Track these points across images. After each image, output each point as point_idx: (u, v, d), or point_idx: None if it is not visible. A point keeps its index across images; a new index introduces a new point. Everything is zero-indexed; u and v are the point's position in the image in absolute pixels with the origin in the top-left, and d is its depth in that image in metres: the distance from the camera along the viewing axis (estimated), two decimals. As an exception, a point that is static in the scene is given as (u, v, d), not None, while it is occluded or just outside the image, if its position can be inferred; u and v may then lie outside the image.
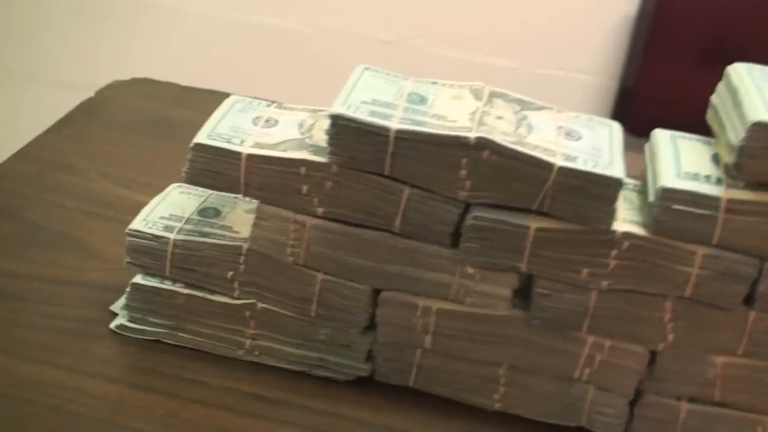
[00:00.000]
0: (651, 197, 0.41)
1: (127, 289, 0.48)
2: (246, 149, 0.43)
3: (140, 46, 1.26)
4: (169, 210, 0.48)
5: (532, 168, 0.40)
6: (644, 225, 0.41)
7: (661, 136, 0.44)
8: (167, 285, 0.47)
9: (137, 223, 0.47)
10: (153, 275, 0.47)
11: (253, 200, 0.45)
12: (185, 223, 0.47)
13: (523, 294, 0.44)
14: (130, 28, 1.27)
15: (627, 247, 0.41)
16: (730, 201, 0.39)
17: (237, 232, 0.47)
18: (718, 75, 0.43)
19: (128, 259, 0.47)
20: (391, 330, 0.46)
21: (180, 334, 0.48)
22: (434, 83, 0.44)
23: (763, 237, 0.40)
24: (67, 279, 0.52)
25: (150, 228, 0.47)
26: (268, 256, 0.45)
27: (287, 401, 0.46)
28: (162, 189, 0.50)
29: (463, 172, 0.41)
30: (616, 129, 0.43)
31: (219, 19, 1.24)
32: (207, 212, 0.48)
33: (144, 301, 0.47)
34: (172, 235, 0.46)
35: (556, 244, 0.41)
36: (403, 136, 0.40)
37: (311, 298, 0.46)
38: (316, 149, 0.43)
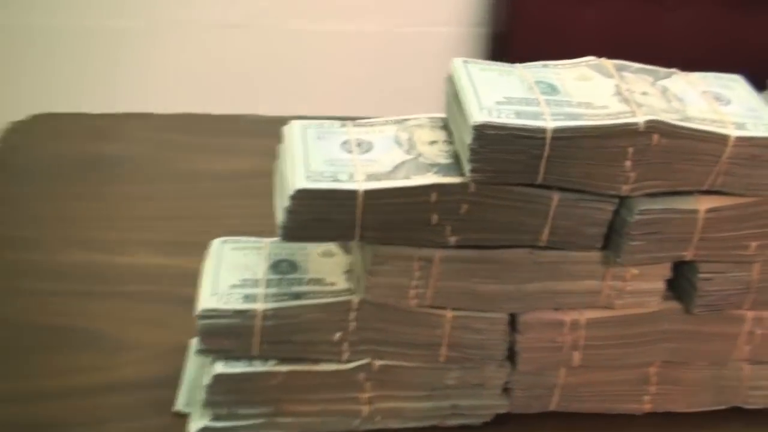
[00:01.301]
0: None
1: (207, 384, 0.38)
2: (361, 185, 0.35)
3: (25, 77, 1.04)
4: (236, 275, 0.39)
5: (707, 144, 0.35)
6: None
7: None
8: (258, 367, 0.38)
9: (208, 301, 0.38)
10: (236, 358, 0.38)
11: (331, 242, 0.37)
12: (267, 287, 0.38)
13: (669, 283, 0.40)
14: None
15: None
16: None
17: (332, 284, 0.38)
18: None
19: (202, 347, 0.38)
20: (535, 355, 0.40)
21: (281, 419, 0.39)
22: (545, 66, 0.38)
23: None
24: (101, 384, 0.41)
25: (227, 303, 0.37)
26: (385, 306, 0.38)
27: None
28: (144, 244, 0.40)
29: (629, 164, 0.35)
30: (743, 82, 0.39)
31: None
32: (281, 267, 0.40)
33: (230, 391, 0.38)
34: (259, 306, 0.37)
35: (726, 222, 0.37)
36: (562, 135, 0.34)
37: (439, 341, 0.39)
38: (441, 168, 0.36)
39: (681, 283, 0.39)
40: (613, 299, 0.39)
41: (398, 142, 0.37)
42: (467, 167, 0.34)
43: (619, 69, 0.38)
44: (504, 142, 0.34)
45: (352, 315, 0.38)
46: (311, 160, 0.36)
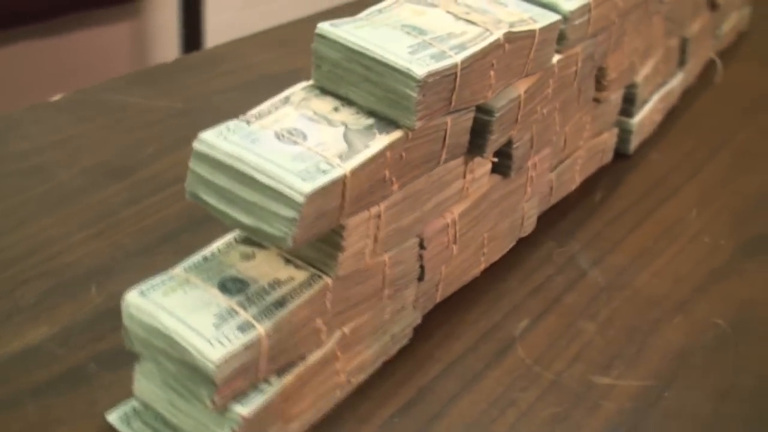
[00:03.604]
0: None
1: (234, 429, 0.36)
2: (345, 167, 0.35)
3: None
4: (205, 316, 0.36)
5: (525, 41, 0.44)
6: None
7: None
8: (268, 390, 0.37)
9: (212, 351, 0.34)
10: (245, 394, 0.36)
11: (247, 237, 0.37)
12: (245, 310, 0.36)
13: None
14: None
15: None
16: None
17: (291, 278, 0.38)
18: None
19: (219, 401, 0.35)
20: (433, 262, 0.45)
21: (291, 426, 0.39)
22: (381, 13, 0.41)
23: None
24: None
25: (231, 343, 0.35)
26: (349, 274, 0.39)
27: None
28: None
29: (492, 74, 0.42)
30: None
31: None
32: (232, 287, 0.37)
33: (253, 428, 0.36)
34: (260, 329, 0.36)
35: (530, 97, 0.47)
36: (464, 66, 0.39)
37: (381, 285, 0.42)
38: (372, 127, 0.38)
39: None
40: (468, 189, 0.46)
41: (314, 120, 0.38)
42: (411, 117, 0.37)
43: (428, -4, 0.43)
44: (436, 86, 0.38)
45: (329, 296, 0.38)
46: (281, 162, 0.34)
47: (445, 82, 0.38)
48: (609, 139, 0.63)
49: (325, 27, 0.38)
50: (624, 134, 0.64)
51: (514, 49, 0.43)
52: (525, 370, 0.44)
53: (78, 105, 0.65)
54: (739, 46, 0.88)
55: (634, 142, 0.66)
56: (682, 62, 0.73)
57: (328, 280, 0.38)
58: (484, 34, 0.41)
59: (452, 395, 0.42)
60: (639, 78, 0.63)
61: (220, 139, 0.35)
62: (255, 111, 0.37)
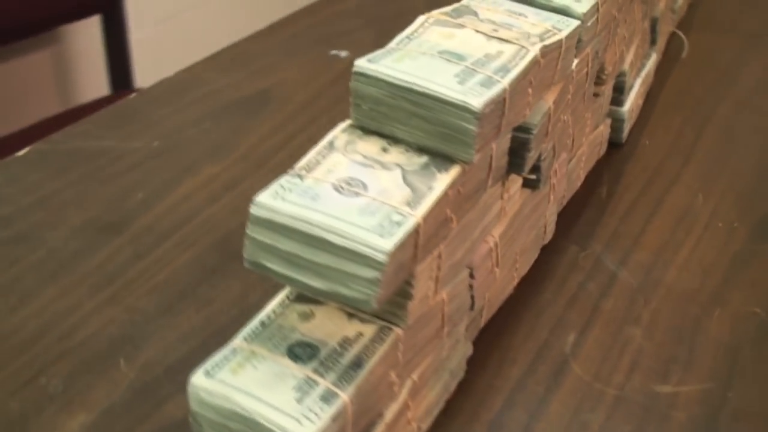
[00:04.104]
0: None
1: None
2: (417, 214, 0.33)
3: None
4: (283, 390, 0.33)
5: (554, 52, 0.42)
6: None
7: None
8: (355, 456, 0.35)
9: (302, 430, 0.32)
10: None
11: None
12: (323, 377, 0.34)
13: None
14: None
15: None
16: None
17: (360, 334, 0.36)
18: None
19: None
20: (481, 289, 0.44)
21: (377, 490, 0.37)
22: (410, 39, 0.39)
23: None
24: None
25: (319, 417, 0.33)
26: (415, 321, 0.37)
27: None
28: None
29: (530, 90, 0.40)
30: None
31: None
32: (302, 353, 0.35)
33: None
34: (344, 397, 0.34)
35: (555, 109, 0.45)
36: (512, 89, 0.37)
37: (441, 323, 0.40)
38: (428, 166, 0.36)
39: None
40: (506, 209, 0.44)
41: (367, 165, 0.35)
42: (469, 151, 0.35)
43: (455, 17, 0.41)
44: (490, 115, 0.36)
45: (400, 347, 0.36)
46: (350, 219, 0.32)
47: (497, 110, 0.36)
48: (604, 130, 0.62)
49: (363, 64, 0.36)
50: (616, 123, 0.64)
51: (546, 63, 0.41)
52: (587, 389, 0.43)
53: (50, 157, 0.61)
54: (690, 17, 0.88)
55: (626, 130, 0.65)
56: (653, 42, 0.73)
57: (399, 331, 0.36)
58: (521, 52, 0.39)
59: (523, 426, 0.41)
60: (626, 65, 0.63)
61: (278, 201, 0.33)
62: (303, 162, 0.35)
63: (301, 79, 0.73)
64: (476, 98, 0.35)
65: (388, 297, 0.32)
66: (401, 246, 0.32)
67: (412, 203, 0.33)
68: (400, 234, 0.32)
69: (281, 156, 0.61)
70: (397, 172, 0.35)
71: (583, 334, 0.47)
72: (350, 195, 0.33)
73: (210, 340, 0.45)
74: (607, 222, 0.56)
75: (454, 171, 0.35)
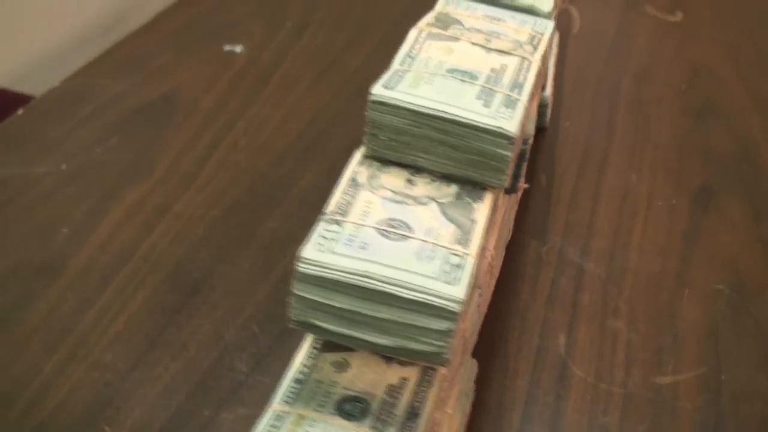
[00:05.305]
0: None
1: None
2: (471, 252, 0.31)
3: None
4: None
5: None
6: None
7: None
8: None
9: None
10: None
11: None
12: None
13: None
14: None
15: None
16: None
17: (405, 379, 0.34)
18: None
19: None
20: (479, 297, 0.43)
21: None
22: (412, 59, 0.37)
23: None
24: None
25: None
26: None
27: None
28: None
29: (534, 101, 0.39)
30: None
31: None
32: (352, 409, 0.33)
33: None
34: (412, 453, 0.32)
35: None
36: (529, 102, 0.36)
37: (463, 349, 0.39)
38: (461, 196, 0.34)
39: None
40: (496, 219, 0.43)
41: (400, 202, 0.33)
42: (502, 177, 0.34)
43: (443, 29, 0.39)
44: (519, 136, 0.34)
45: (444, 386, 0.35)
46: (411, 267, 0.30)
47: (520, 128, 0.35)
48: (534, 118, 0.62)
49: (381, 92, 0.33)
50: (541, 109, 0.64)
51: (541, 69, 0.40)
52: (593, 391, 0.43)
53: (-53, 196, 0.53)
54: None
55: (548, 114, 0.65)
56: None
57: (443, 371, 0.34)
58: (524, 63, 0.38)
59: (547, 440, 0.41)
60: (548, 51, 0.63)
61: (326, 254, 0.30)
62: (333, 206, 0.32)
63: (201, 81, 0.68)
64: (508, 122, 0.33)
65: (452, 345, 0.30)
66: (465, 291, 0.30)
67: (462, 241, 0.32)
68: (466, 279, 0.30)
69: (208, 172, 0.57)
70: (434, 207, 0.33)
71: (571, 333, 0.47)
72: (398, 239, 0.31)
73: (197, 391, 0.42)
74: (556, 212, 0.56)
75: (488, 199, 0.34)
